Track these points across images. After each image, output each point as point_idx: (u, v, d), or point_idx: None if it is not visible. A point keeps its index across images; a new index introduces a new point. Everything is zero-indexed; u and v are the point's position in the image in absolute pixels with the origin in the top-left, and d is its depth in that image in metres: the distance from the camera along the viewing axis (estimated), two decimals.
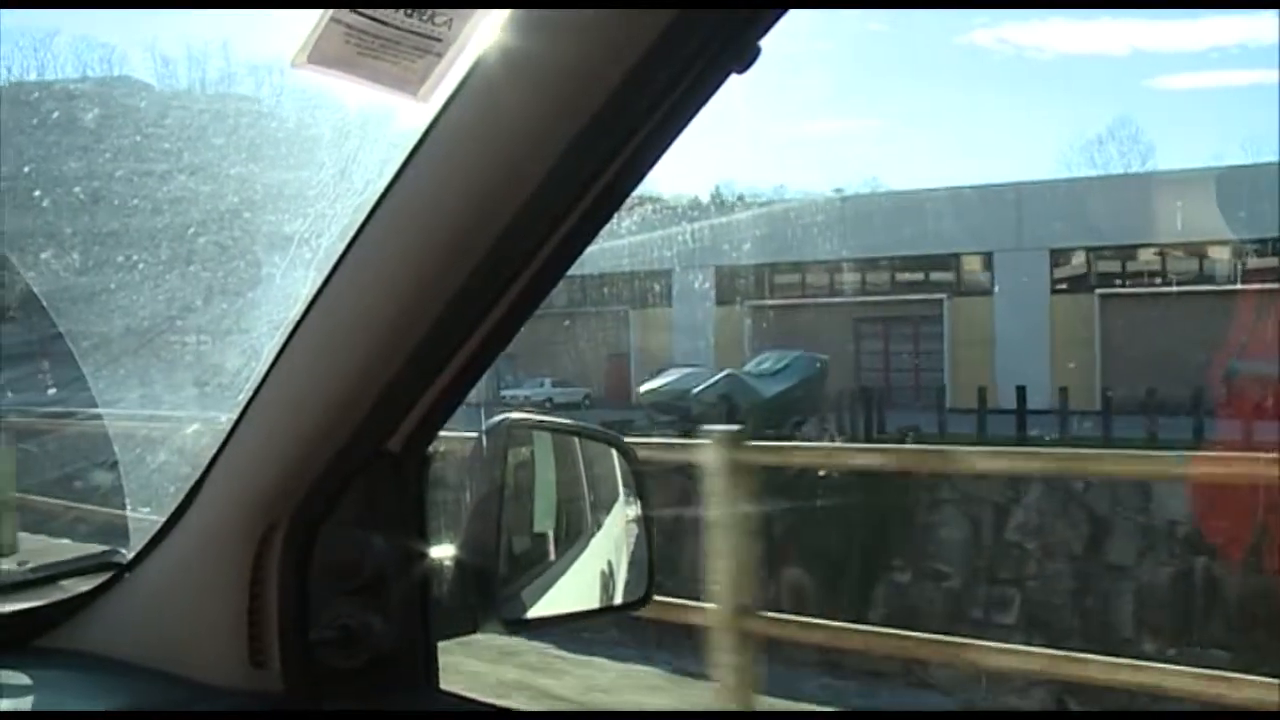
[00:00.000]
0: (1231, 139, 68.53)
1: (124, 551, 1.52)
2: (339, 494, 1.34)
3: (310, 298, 1.29)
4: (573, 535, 1.70)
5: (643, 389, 35.34)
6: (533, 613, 1.54)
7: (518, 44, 1.11)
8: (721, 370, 34.10)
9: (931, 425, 27.66)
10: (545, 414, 1.86)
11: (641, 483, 1.68)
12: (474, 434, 1.38)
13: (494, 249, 1.18)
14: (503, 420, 1.43)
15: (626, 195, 1.23)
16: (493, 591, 1.38)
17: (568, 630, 1.57)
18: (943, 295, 39.74)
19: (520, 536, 1.55)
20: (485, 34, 1.12)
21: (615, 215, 1.27)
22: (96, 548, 1.60)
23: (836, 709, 4.42)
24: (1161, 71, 68.34)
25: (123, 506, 1.92)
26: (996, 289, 38.22)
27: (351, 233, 1.25)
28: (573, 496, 1.72)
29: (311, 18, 1.12)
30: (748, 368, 34.37)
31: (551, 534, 1.66)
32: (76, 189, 2.87)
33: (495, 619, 1.43)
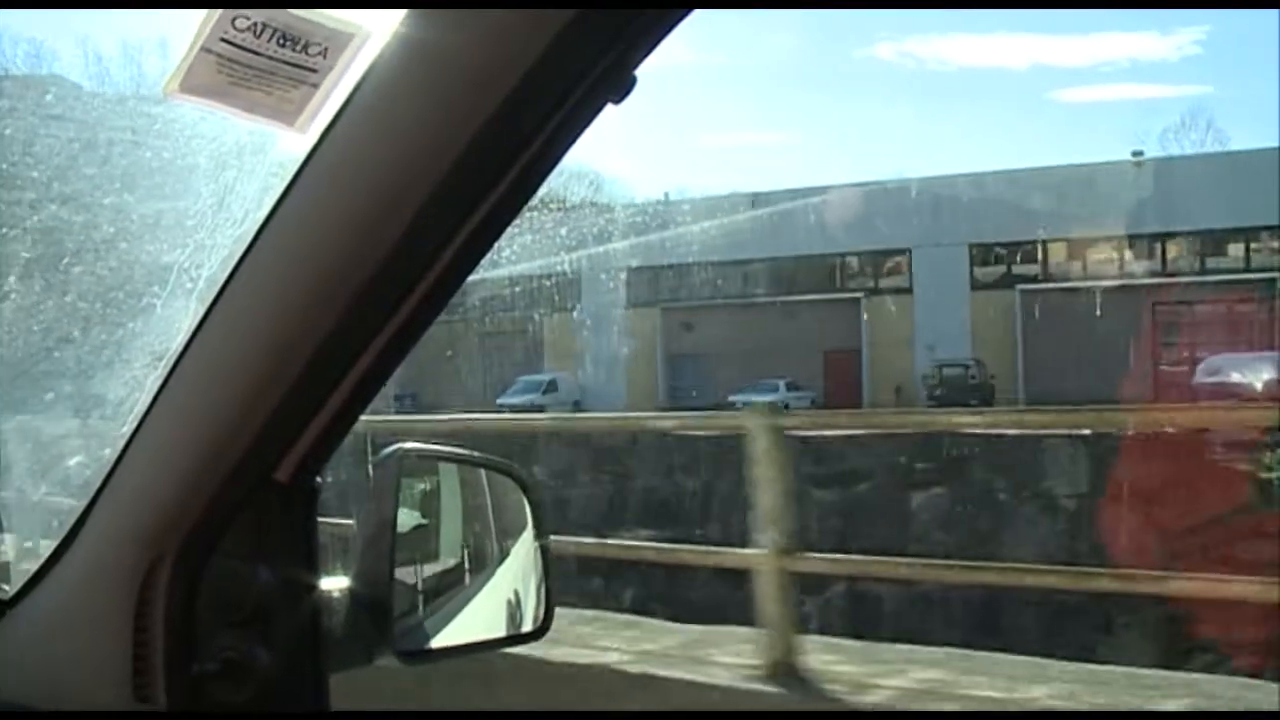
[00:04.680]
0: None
1: (5, 588, 1.50)
2: (226, 525, 1.33)
3: (193, 328, 1.29)
4: (478, 565, 1.70)
5: None
6: (435, 643, 1.54)
7: (395, 74, 1.13)
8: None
9: None
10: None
11: (540, 512, 1.68)
12: None
13: (377, 275, 1.19)
14: (395, 450, 1.43)
15: (509, 222, 1.25)
16: (387, 623, 1.38)
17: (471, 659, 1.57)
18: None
19: (422, 566, 1.56)
20: (361, 64, 1.14)
21: (495, 245, 1.28)
22: None
23: (838, 709, 4.46)
24: (1059, 85, 70.15)
25: (2, 543, 1.88)
26: None
27: (233, 262, 1.26)
28: (477, 526, 1.72)
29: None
30: None
31: (456, 564, 1.67)
32: None
33: (390, 650, 1.43)
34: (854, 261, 41.55)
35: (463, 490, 1.68)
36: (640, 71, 1.15)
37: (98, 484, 1.37)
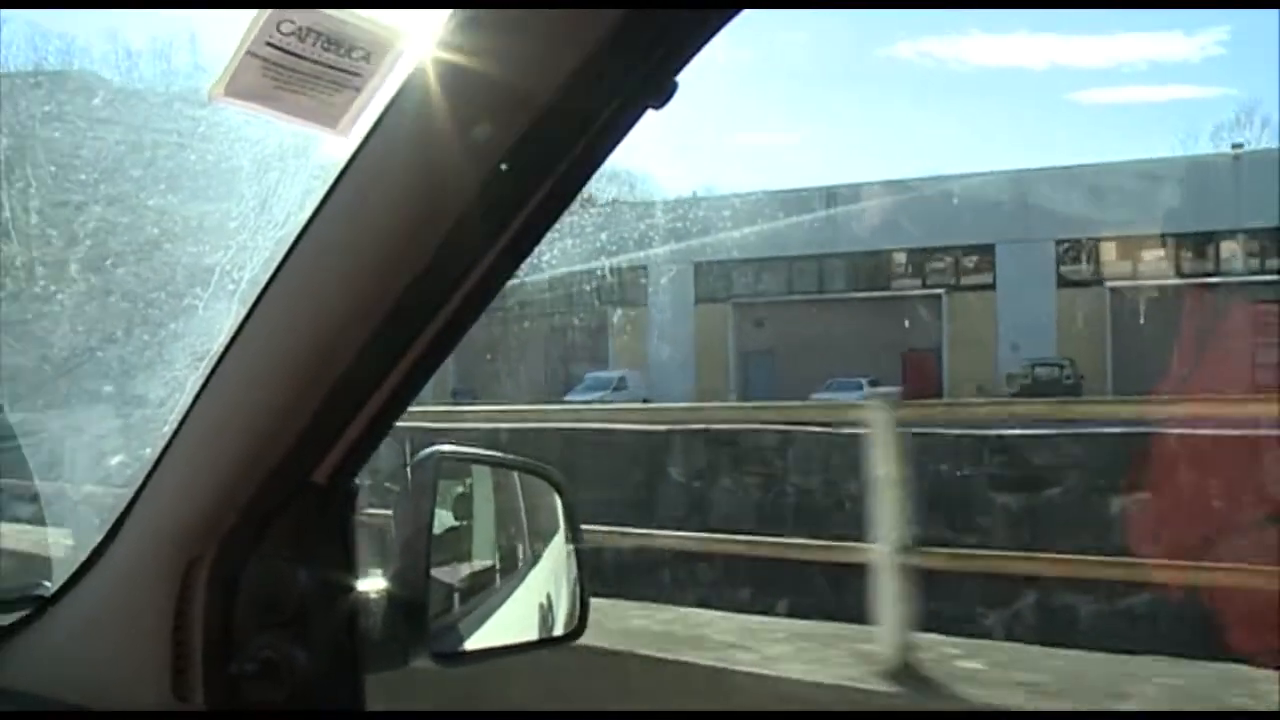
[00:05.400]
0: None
1: (47, 584, 1.51)
2: (264, 526, 1.34)
3: (234, 329, 1.30)
4: (511, 567, 1.71)
5: None
6: (468, 645, 1.54)
7: (436, 78, 1.13)
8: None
9: None
10: None
11: (574, 515, 1.68)
12: None
13: (417, 279, 1.20)
14: (432, 453, 1.44)
15: (549, 227, 1.25)
16: (423, 624, 1.39)
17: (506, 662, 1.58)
18: None
19: (456, 568, 1.56)
20: (403, 68, 1.15)
21: (536, 248, 1.29)
22: (18, 581, 1.59)
23: (841, 710, 4.41)
24: (1078, 86, 69.73)
25: (45, 539, 1.90)
26: None
27: (274, 264, 1.26)
28: (510, 528, 1.73)
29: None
30: None
31: (489, 566, 1.67)
32: None
33: (425, 652, 1.43)
34: (934, 257, 40.18)
35: (496, 493, 1.68)
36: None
37: (138, 483, 1.39)
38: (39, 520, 1.92)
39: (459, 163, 1.14)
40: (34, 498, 2.00)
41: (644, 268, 42.19)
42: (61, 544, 1.79)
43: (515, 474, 1.72)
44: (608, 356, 43.77)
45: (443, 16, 1.10)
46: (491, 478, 1.68)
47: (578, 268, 36.87)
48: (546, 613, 1.66)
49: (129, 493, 1.40)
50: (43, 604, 1.47)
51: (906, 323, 38.98)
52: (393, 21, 1.14)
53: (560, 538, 1.68)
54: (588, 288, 41.26)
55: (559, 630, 1.65)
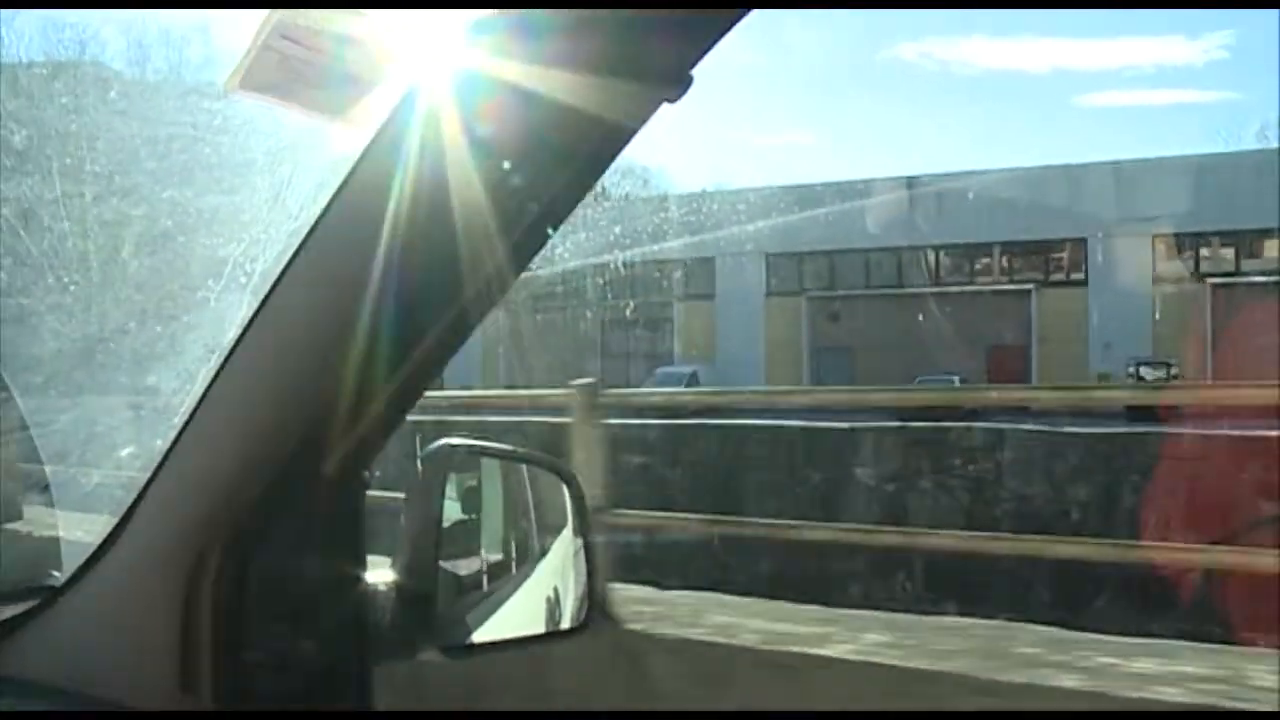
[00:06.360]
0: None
1: (57, 574, 1.52)
2: (274, 518, 1.34)
3: (245, 321, 1.30)
4: (520, 560, 1.71)
5: None
6: (476, 637, 1.54)
7: (449, 73, 1.13)
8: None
9: None
10: None
11: (583, 508, 1.68)
12: None
13: (429, 274, 1.20)
14: (442, 445, 1.44)
15: (564, 218, 1.25)
16: (431, 616, 1.39)
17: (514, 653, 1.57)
18: None
19: (465, 561, 1.56)
20: (416, 65, 1.15)
21: (548, 242, 1.29)
22: (28, 571, 1.60)
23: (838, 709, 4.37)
24: (1082, 90, 69.38)
25: (55, 529, 1.91)
26: None
27: (287, 257, 1.27)
28: (520, 521, 1.73)
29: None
30: None
31: (498, 559, 1.67)
32: (5, 210, 2.85)
33: (433, 644, 1.43)
34: (1021, 251, 38.30)
35: (505, 486, 1.68)
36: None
37: (149, 473, 1.39)
38: (49, 509, 1.93)
39: (470, 157, 1.14)
40: (45, 487, 2.00)
41: (711, 259, 40.45)
42: (72, 534, 1.79)
43: (524, 467, 1.72)
44: (672, 352, 41.79)
45: (455, 15, 1.11)
46: (501, 471, 1.69)
47: (637, 257, 35.95)
48: (554, 606, 1.67)
49: (139, 482, 1.40)
50: (52, 594, 1.47)
51: (992, 318, 37.22)
52: (406, 17, 1.14)
53: (569, 530, 1.68)
54: (647, 276, 39.68)
55: (566, 623, 1.65)
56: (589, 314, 39.47)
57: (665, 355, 41.39)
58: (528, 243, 1.25)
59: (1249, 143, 41.83)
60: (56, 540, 1.87)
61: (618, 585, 4.85)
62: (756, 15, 1.12)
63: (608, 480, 5.22)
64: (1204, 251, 35.92)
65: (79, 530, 1.78)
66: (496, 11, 1.10)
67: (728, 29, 1.12)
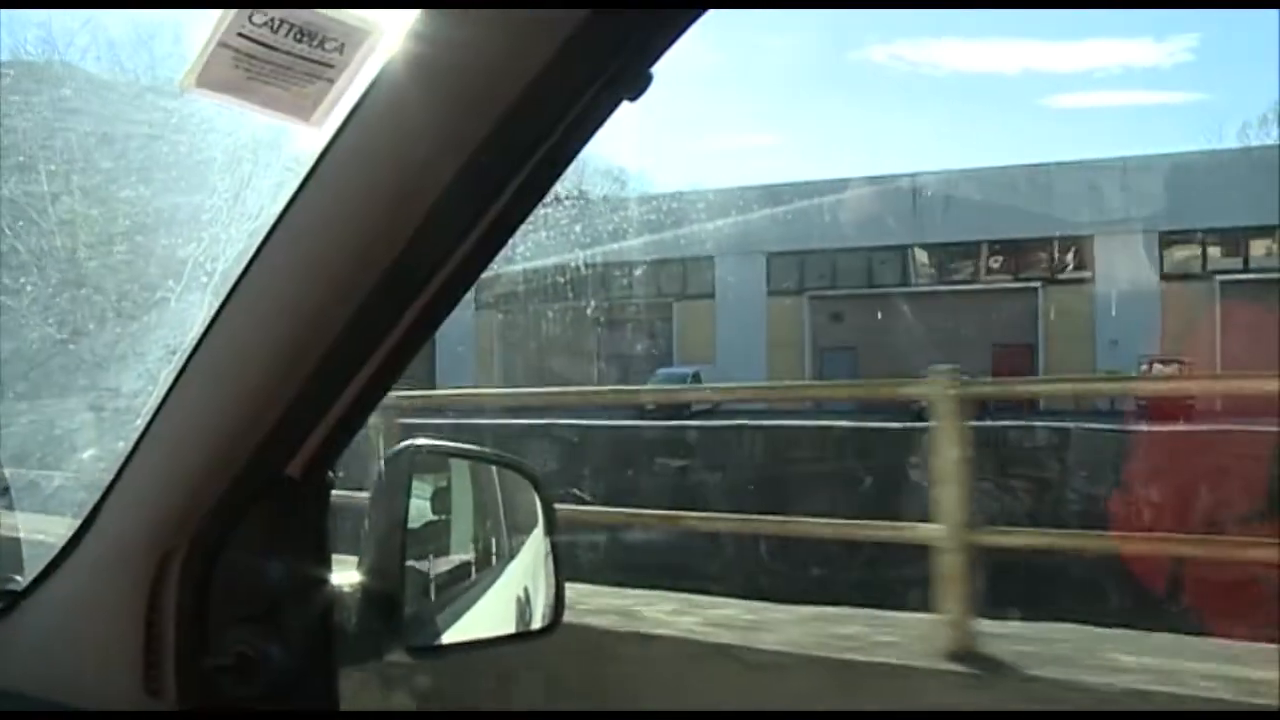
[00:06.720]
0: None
1: (18, 579, 1.50)
2: (238, 520, 1.33)
3: (206, 321, 1.29)
4: (488, 561, 1.71)
5: None
6: (446, 638, 1.54)
7: (410, 70, 1.13)
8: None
9: None
10: None
11: (551, 509, 1.68)
12: None
13: (391, 271, 1.19)
14: (407, 446, 1.44)
15: (524, 219, 1.25)
16: (398, 618, 1.39)
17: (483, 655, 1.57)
18: None
19: (434, 562, 1.56)
20: (377, 60, 1.15)
21: (509, 241, 1.29)
22: None
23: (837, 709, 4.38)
24: (1051, 91, 69.89)
25: (16, 533, 1.89)
26: None
27: (247, 257, 1.26)
28: (490, 522, 1.73)
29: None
30: None
31: (466, 560, 1.67)
32: None
33: (400, 646, 1.43)
34: (1028, 249, 37.90)
35: (474, 487, 1.68)
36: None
37: (111, 476, 1.38)
38: (10, 511, 1.91)
39: (432, 155, 1.14)
40: (4, 490, 1.99)
41: (710, 258, 40.00)
42: (33, 538, 1.78)
43: (494, 468, 1.72)
44: (671, 352, 41.13)
45: (415, 13, 1.10)
46: (470, 472, 1.68)
47: (637, 257, 35.59)
48: (524, 606, 1.67)
49: (102, 484, 1.39)
50: (14, 599, 1.46)
51: (998, 317, 36.92)
52: (366, 14, 1.13)
53: (539, 531, 1.68)
54: (645, 275, 39.19)
55: (536, 624, 1.65)
56: (586, 315, 38.98)
57: (665, 358, 40.78)
58: (490, 241, 1.24)
59: (1230, 140, 42.02)
60: (18, 543, 1.85)
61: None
62: (742, 16, 1.13)
63: None
64: (1212, 248, 35.79)
65: (40, 533, 1.77)
66: (457, 9, 1.10)
67: (687, 27, 1.13)
